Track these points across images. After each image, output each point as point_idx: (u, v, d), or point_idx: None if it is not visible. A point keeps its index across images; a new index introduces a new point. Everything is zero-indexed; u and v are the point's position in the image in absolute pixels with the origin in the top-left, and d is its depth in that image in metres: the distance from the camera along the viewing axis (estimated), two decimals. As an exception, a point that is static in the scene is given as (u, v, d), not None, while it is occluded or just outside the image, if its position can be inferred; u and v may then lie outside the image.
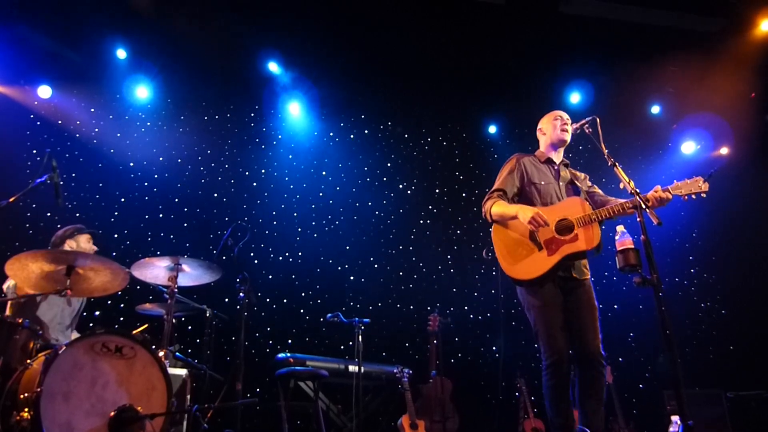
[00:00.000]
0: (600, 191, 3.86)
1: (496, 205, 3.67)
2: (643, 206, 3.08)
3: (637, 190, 3.15)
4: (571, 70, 7.58)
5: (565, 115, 3.93)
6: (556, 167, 3.86)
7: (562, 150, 3.93)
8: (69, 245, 4.33)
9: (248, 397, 4.86)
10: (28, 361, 3.30)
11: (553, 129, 3.88)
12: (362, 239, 7.29)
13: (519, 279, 3.56)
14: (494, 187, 3.81)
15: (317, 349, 6.33)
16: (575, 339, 3.42)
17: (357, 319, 5.50)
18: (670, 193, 3.30)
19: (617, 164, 3.25)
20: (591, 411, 3.31)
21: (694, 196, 3.27)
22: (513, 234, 3.65)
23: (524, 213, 3.48)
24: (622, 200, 3.44)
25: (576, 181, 3.83)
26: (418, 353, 6.74)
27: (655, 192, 3.31)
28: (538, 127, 4.03)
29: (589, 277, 3.61)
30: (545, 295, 3.46)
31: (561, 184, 3.78)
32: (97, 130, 6.75)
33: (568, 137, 3.82)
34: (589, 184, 3.92)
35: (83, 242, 4.39)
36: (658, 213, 3.05)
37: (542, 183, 3.74)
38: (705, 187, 3.26)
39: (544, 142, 3.97)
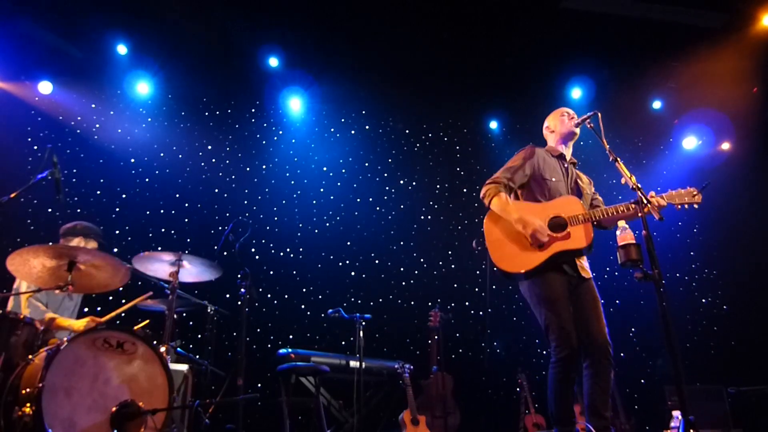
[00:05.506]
0: (601, 200, 3.82)
1: (497, 199, 3.59)
2: (645, 201, 3.07)
3: (639, 185, 3.13)
4: (572, 65, 7.57)
5: (571, 111, 3.93)
6: (566, 165, 3.82)
7: (571, 145, 3.91)
8: (77, 242, 4.33)
9: (249, 393, 4.86)
10: (30, 356, 3.30)
11: (561, 123, 3.86)
12: (363, 235, 7.29)
13: (509, 271, 3.49)
14: (501, 173, 3.72)
15: (318, 345, 6.33)
16: (582, 332, 3.38)
17: (358, 314, 5.51)
18: (664, 200, 3.38)
19: (619, 159, 3.23)
20: (600, 405, 3.26)
21: (686, 206, 3.41)
22: (507, 226, 3.55)
23: (526, 226, 3.43)
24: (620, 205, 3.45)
25: (580, 183, 3.78)
26: (419, 349, 6.75)
27: (652, 197, 3.33)
28: (545, 125, 4.00)
29: (591, 276, 3.59)
30: (557, 288, 3.40)
31: (569, 183, 3.75)
32: (98, 125, 6.75)
33: (577, 130, 3.82)
34: (593, 190, 3.88)
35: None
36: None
37: (552, 179, 3.68)
38: (698, 198, 3.41)
39: (553, 138, 3.93)
